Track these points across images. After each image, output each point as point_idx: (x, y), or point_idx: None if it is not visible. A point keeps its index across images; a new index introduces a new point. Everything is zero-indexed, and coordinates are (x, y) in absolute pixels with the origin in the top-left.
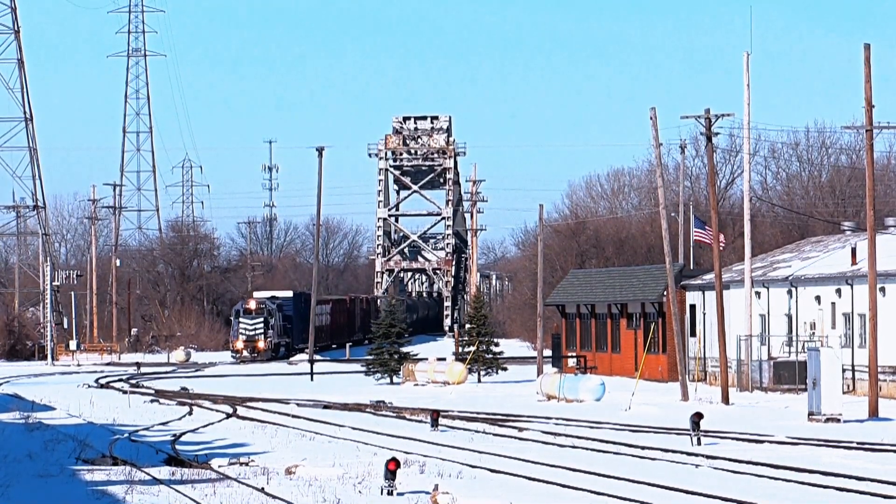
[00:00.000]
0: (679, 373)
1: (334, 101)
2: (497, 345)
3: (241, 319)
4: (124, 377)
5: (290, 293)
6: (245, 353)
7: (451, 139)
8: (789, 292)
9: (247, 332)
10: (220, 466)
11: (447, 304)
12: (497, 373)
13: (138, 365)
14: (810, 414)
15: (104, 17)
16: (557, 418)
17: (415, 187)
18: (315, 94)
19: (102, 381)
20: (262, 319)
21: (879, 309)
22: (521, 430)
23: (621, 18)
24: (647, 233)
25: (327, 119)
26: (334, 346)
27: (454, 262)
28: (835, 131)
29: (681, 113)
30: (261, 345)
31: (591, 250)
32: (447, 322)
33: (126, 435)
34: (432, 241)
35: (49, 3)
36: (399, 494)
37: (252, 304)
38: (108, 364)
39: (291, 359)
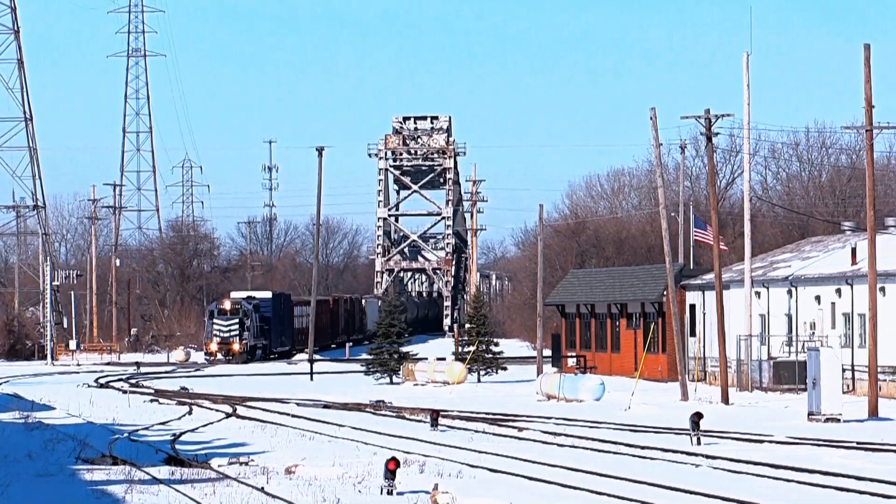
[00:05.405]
0: (679, 373)
1: (334, 101)
2: (497, 345)
3: (215, 320)
4: (124, 377)
5: (268, 293)
6: (219, 355)
7: (451, 139)
8: (789, 292)
9: (221, 334)
10: (219, 466)
11: (447, 303)
12: (497, 373)
13: (138, 364)
14: (810, 414)
15: (104, 17)
16: (557, 418)
17: (415, 187)
18: (315, 94)
19: (102, 381)
20: (237, 320)
21: (879, 309)
22: (520, 429)
23: (621, 18)
24: (647, 233)
25: (327, 119)
26: (316, 347)
27: (454, 262)
28: (835, 131)
29: (681, 113)
30: (236, 347)
31: (591, 250)
32: (447, 322)
33: (126, 434)
34: (432, 241)
35: (49, 3)
36: (399, 494)
37: (227, 305)
38: (107, 364)
39: (291, 359)
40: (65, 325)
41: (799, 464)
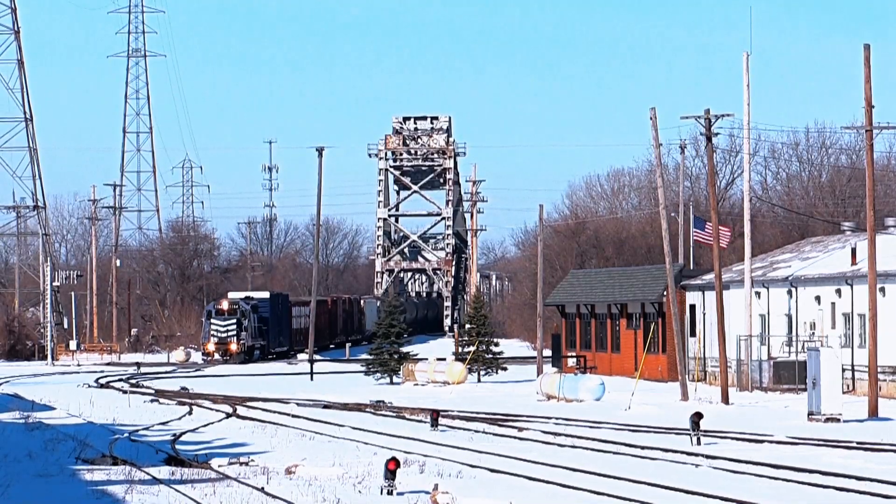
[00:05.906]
0: (679, 373)
1: (334, 101)
2: (497, 345)
3: (212, 321)
4: (124, 377)
5: (266, 294)
6: (216, 355)
7: (451, 139)
8: (789, 292)
9: (219, 334)
10: (219, 466)
11: (447, 304)
12: (497, 373)
13: (138, 365)
14: (810, 414)
15: (104, 17)
16: (557, 418)
17: (415, 187)
18: (315, 94)
19: (102, 381)
20: (234, 321)
21: (879, 309)
22: (521, 429)
23: (621, 18)
24: (647, 233)
25: (327, 119)
26: (315, 348)
27: (454, 262)
28: (835, 131)
29: (681, 113)
30: (233, 347)
31: (591, 250)
32: (447, 322)
33: (126, 435)
34: (432, 241)
35: (49, 3)
36: (399, 494)
37: (224, 305)
38: (108, 364)
39: (291, 359)
40: (65, 326)
41: (799, 464)
